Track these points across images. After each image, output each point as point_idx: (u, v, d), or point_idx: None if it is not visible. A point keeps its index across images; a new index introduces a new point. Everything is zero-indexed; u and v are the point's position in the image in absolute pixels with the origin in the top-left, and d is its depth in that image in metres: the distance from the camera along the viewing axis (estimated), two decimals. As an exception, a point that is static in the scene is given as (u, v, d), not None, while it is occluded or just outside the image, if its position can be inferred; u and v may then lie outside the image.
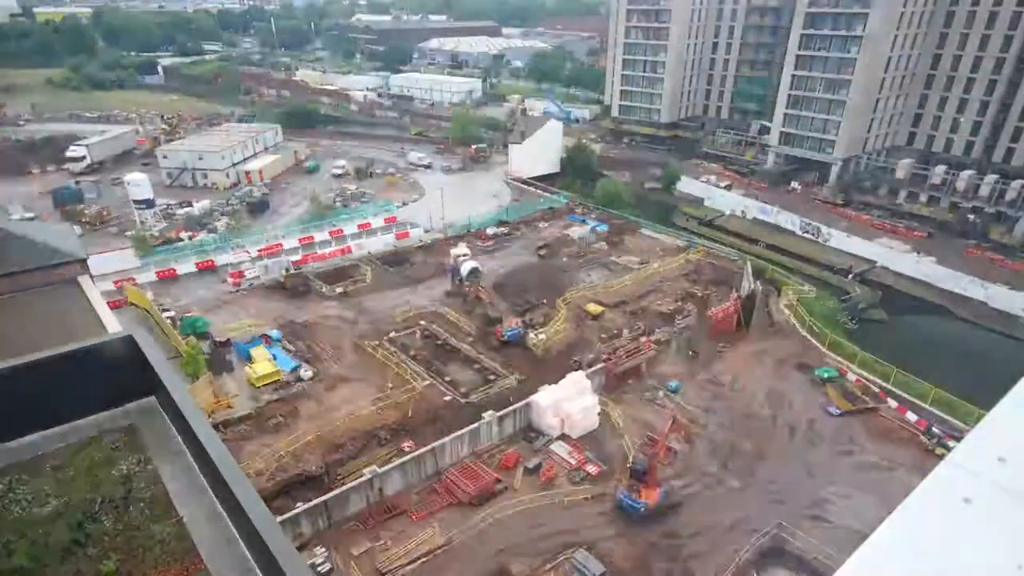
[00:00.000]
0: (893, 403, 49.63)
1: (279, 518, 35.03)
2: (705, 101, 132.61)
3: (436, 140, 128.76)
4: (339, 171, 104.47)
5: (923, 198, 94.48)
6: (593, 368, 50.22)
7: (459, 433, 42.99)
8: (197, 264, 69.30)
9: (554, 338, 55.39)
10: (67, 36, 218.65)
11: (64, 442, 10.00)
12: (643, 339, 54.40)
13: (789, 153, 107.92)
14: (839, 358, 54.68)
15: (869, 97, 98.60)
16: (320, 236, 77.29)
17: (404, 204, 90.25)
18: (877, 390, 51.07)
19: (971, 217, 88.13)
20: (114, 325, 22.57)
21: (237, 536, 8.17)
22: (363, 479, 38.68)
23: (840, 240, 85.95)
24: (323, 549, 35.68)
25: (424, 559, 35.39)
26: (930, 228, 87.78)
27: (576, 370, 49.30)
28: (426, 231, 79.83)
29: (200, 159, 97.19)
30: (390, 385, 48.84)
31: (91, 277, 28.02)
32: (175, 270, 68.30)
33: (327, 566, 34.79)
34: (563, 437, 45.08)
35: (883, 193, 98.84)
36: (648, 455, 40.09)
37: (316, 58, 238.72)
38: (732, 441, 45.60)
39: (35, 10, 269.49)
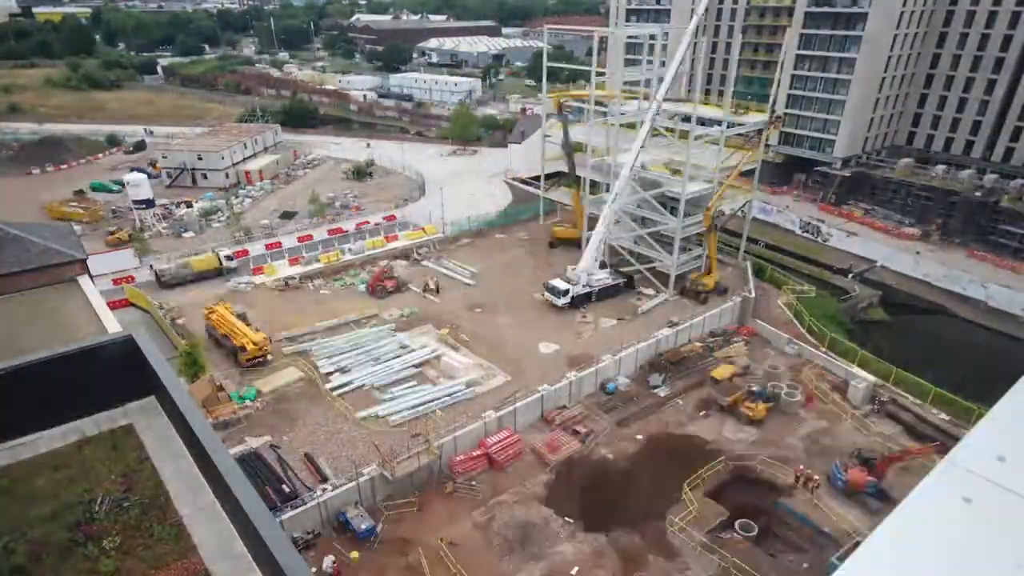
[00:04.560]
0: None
1: (278, 517, 35.07)
2: (705, 100, 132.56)
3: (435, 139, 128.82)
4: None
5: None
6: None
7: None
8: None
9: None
10: (66, 35, 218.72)
11: (64, 442, 10.01)
12: None
13: (789, 153, 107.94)
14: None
15: (869, 97, 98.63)
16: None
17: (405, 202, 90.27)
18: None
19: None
20: (113, 325, 22.58)
21: (237, 536, 8.17)
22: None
23: (840, 239, 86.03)
24: (330, 555, 35.69)
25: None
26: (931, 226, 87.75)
27: None
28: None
29: (199, 159, 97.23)
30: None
31: (91, 277, 28.02)
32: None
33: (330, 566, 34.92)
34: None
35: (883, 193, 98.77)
36: None
37: (316, 57, 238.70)
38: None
39: (34, 10, 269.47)
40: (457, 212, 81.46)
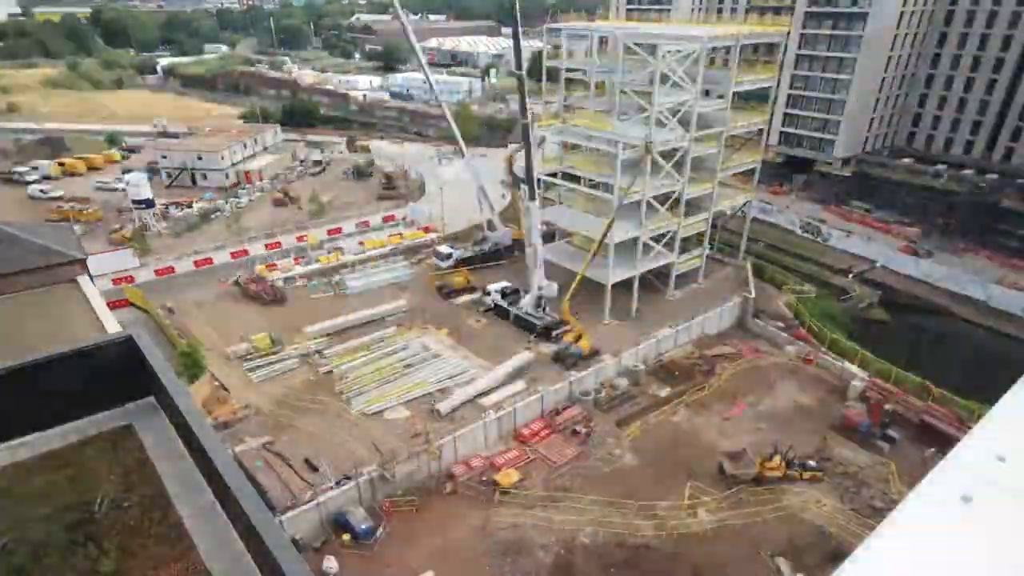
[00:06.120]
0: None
1: (278, 518, 35.06)
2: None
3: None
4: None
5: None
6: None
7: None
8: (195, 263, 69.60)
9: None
10: (66, 35, 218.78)
11: (64, 442, 9.99)
12: None
13: (789, 153, 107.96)
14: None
15: (869, 97, 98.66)
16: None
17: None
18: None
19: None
20: (113, 325, 22.57)
21: (237, 536, 8.16)
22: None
23: (840, 239, 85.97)
24: (332, 557, 35.60)
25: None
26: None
27: None
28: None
29: (199, 159, 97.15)
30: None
31: (90, 277, 28.01)
32: (173, 268, 68.55)
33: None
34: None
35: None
36: None
37: (316, 57, 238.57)
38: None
39: (34, 10, 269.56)
40: (457, 213, 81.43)
